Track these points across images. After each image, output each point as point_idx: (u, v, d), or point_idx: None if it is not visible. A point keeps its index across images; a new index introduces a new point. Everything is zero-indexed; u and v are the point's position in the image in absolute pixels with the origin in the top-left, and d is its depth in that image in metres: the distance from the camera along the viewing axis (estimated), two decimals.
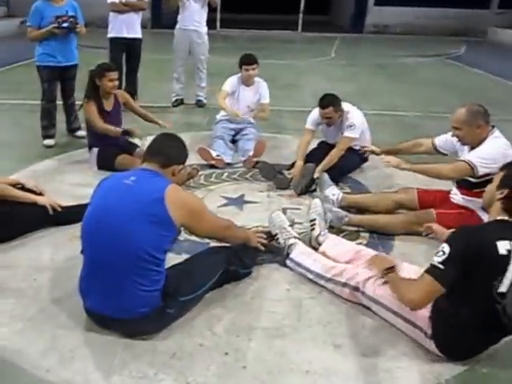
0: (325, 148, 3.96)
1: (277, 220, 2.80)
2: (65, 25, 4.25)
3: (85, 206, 2.52)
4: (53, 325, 2.19)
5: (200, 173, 3.84)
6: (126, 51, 5.57)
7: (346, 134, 3.79)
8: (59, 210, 2.96)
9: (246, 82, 4.49)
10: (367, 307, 2.34)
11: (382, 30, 15.71)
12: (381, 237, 3.05)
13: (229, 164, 4.12)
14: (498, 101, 6.45)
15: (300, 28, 13.86)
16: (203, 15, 5.78)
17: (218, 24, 13.74)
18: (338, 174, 3.74)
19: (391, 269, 2.22)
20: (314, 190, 3.62)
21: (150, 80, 6.71)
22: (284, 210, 3.26)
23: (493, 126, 2.92)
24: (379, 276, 2.27)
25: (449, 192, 3.15)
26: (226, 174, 3.97)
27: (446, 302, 1.97)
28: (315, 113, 3.92)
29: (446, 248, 1.88)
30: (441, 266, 1.88)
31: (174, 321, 2.19)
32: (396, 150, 3.51)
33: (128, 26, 5.46)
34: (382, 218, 3.13)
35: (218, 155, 4.06)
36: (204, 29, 5.82)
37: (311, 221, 2.91)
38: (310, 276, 2.55)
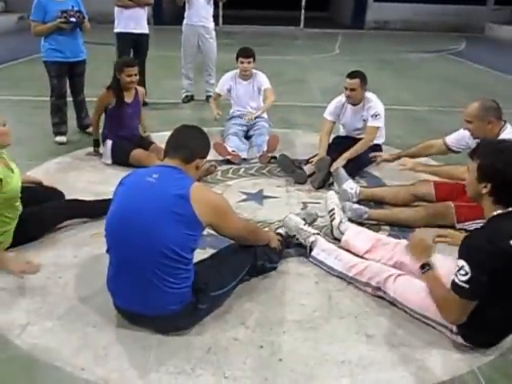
0: (341, 142, 3.95)
1: (291, 224, 2.75)
2: (72, 19, 4.21)
3: (105, 200, 2.52)
4: (83, 323, 2.17)
5: (217, 168, 3.82)
6: (133, 46, 5.52)
7: (373, 123, 3.78)
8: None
9: (243, 75, 4.51)
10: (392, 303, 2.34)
11: (382, 26, 15.70)
12: (401, 229, 3.04)
13: (245, 159, 4.10)
14: (501, 94, 6.45)
15: (302, 24, 13.82)
16: (210, 11, 5.77)
17: (221, 20, 13.67)
18: (355, 169, 3.73)
19: (428, 266, 2.18)
20: (332, 184, 3.61)
21: (157, 76, 6.66)
22: (304, 205, 3.25)
23: (505, 122, 2.92)
24: (416, 263, 2.24)
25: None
26: (242, 170, 3.95)
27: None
28: (334, 103, 3.94)
29: (466, 267, 1.84)
30: (466, 286, 1.85)
31: (205, 316, 2.17)
32: (407, 154, 3.51)
33: (135, 21, 5.40)
34: (402, 213, 3.12)
35: (233, 150, 4.04)
36: (211, 24, 5.81)
37: (330, 211, 2.91)
38: (334, 273, 2.54)
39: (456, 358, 2.03)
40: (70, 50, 4.39)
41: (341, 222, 2.82)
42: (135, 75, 3.92)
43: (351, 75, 3.80)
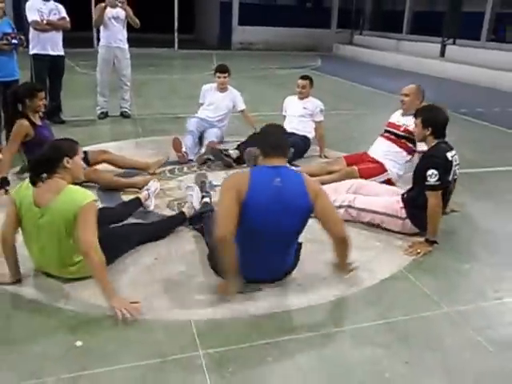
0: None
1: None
2: (14, 41, 4.55)
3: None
4: None
5: (163, 168, 4.51)
6: (50, 68, 5.84)
7: (320, 118, 5.07)
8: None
9: (219, 88, 5.29)
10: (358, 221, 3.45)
11: (247, 46, 17.33)
12: None
13: (190, 160, 4.79)
14: (355, 100, 8.16)
15: (176, 46, 14.69)
16: (125, 34, 6.36)
17: (96, 42, 13.86)
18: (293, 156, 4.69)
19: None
20: None
21: (67, 96, 7.00)
22: None
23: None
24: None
25: (365, 153, 4.36)
26: (185, 168, 4.63)
27: (413, 193, 3.27)
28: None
29: (435, 172, 3.10)
30: (438, 183, 3.11)
31: None
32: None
33: (52, 43, 5.76)
34: (325, 177, 4.21)
35: (185, 151, 4.73)
36: (126, 46, 6.40)
37: None
38: None
39: (391, 261, 3.04)
40: (5, 71, 4.70)
41: None
42: (44, 98, 3.94)
43: (303, 77, 5.11)
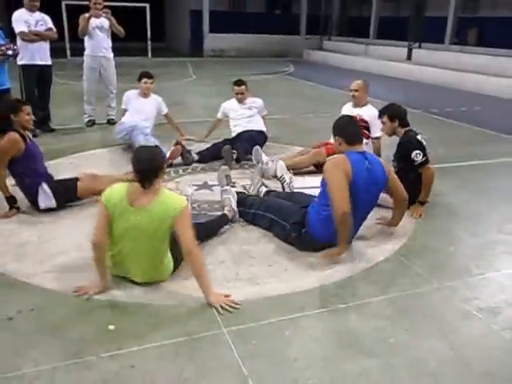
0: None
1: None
2: (9, 52, 4.66)
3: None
4: None
5: None
6: (38, 77, 5.93)
7: (265, 112, 5.71)
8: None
9: (143, 93, 5.47)
10: None
11: (219, 53, 17.62)
12: None
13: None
14: (329, 101, 8.54)
15: (150, 54, 14.84)
16: (109, 43, 6.53)
17: (69, 53, 13.97)
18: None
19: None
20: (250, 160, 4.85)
21: (51, 105, 7.08)
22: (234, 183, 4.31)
23: None
24: None
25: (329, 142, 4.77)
26: (180, 170, 4.83)
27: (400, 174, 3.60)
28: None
29: (419, 151, 3.71)
30: (425, 158, 3.74)
31: None
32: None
33: (40, 53, 5.85)
34: (299, 159, 4.76)
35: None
36: (111, 54, 6.56)
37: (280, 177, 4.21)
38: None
39: (384, 246, 3.33)
40: None
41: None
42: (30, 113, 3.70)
43: (238, 84, 5.44)
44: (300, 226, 3.18)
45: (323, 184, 3.07)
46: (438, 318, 2.59)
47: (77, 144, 5.61)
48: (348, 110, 4.86)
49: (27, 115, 3.63)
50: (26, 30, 5.71)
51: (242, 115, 5.45)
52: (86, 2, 6.36)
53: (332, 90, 10.75)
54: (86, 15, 6.28)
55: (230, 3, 19.64)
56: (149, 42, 13.25)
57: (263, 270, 2.98)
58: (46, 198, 3.66)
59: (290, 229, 3.22)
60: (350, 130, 3.14)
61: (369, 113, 4.74)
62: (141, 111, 5.40)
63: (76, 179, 3.83)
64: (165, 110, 5.69)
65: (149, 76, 5.47)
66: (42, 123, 5.98)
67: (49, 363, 2.13)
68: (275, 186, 4.21)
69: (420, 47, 14.58)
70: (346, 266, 3.06)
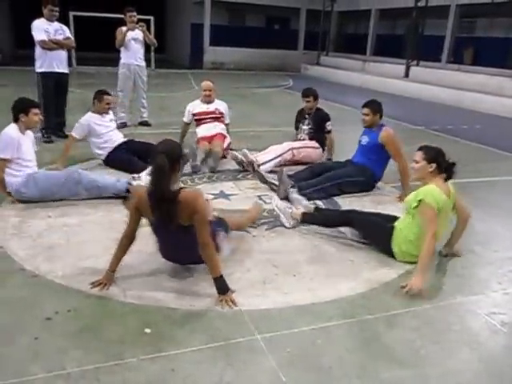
0: None
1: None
2: None
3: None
4: None
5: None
6: (55, 85, 6.00)
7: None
8: None
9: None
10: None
11: (219, 66, 17.77)
12: None
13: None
14: (335, 117, 8.59)
15: (153, 65, 14.93)
16: (143, 53, 7.16)
17: (74, 62, 14.06)
18: None
19: None
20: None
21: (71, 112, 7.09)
22: (259, 197, 4.38)
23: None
24: None
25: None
26: (196, 179, 4.89)
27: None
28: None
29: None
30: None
31: None
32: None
33: (58, 61, 5.98)
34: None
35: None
36: (144, 63, 7.19)
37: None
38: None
39: (386, 270, 3.31)
40: None
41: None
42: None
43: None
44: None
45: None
46: (465, 331, 2.63)
47: (89, 151, 5.58)
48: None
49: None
50: (46, 38, 5.85)
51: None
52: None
53: (334, 105, 10.84)
54: (124, 28, 6.90)
55: (230, 17, 19.85)
56: (152, 54, 13.30)
57: (288, 280, 3.01)
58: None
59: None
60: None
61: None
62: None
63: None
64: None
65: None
66: (58, 129, 6.11)
67: (92, 363, 2.15)
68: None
69: (418, 65, 14.84)
70: (369, 278, 3.10)
